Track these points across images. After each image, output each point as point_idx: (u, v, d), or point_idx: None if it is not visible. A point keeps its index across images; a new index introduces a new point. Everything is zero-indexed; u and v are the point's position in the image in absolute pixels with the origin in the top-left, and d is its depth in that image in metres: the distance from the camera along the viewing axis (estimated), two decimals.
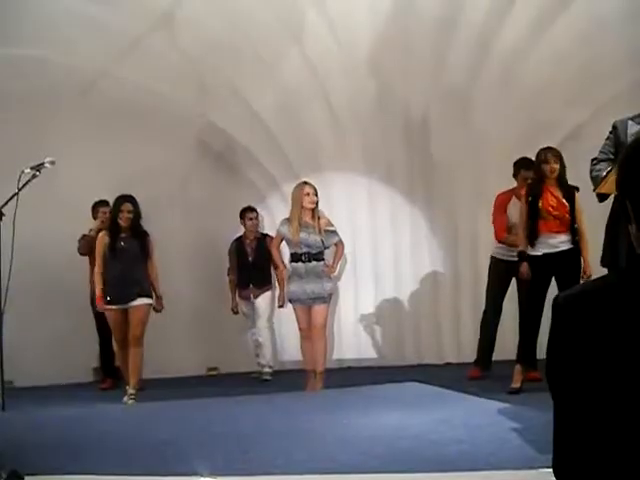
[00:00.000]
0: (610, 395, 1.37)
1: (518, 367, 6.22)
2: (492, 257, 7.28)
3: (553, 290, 6.17)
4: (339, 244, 6.80)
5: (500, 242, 7.14)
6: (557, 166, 6.06)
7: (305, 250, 6.59)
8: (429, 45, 8.13)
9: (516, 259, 6.34)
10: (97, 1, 7.44)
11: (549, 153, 6.08)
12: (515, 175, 7.02)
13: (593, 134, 8.03)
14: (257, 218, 8.33)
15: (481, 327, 7.42)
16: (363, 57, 8.25)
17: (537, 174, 6.17)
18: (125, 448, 4.12)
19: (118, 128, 8.19)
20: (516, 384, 6.14)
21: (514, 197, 6.90)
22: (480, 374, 7.27)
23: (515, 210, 6.70)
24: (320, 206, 6.80)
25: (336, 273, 7.04)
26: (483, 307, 7.41)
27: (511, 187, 7.10)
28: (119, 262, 6.71)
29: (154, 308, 6.83)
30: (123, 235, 6.78)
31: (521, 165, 6.97)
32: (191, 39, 8.00)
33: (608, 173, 4.33)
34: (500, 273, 7.08)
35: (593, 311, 1.43)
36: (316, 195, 6.64)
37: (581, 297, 1.48)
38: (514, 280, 6.85)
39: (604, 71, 7.94)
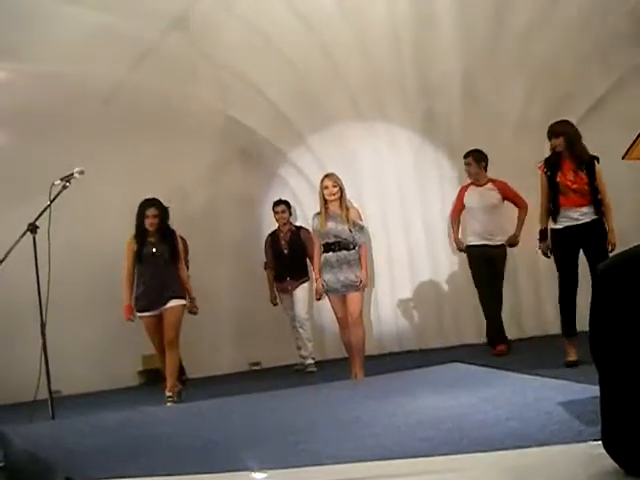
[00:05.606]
0: None
1: (567, 341, 6.19)
2: (467, 246, 7.70)
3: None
4: (362, 246, 6.64)
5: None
6: (559, 141, 6.02)
7: (334, 240, 6.59)
8: (444, 24, 8.10)
9: (489, 243, 7.38)
10: (110, 9, 7.50)
11: (549, 129, 6.16)
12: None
13: (616, 103, 7.99)
14: (285, 211, 8.30)
15: (483, 310, 7.75)
16: (379, 40, 8.25)
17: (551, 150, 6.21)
18: (175, 448, 4.16)
19: (143, 132, 8.27)
20: (571, 357, 6.11)
21: (472, 186, 7.67)
22: (504, 350, 7.46)
23: (471, 196, 7.59)
24: (348, 193, 6.77)
25: (366, 281, 6.75)
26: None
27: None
28: (149, 268, 6.64)
29: (189, 311, 6.78)
30: (151, 240, 6.68)
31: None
32: (207, 37, 8.05)
33: (637, 139, 4.24)
34: (478, 259, 7.56)
35: (632, 279, 1.43)
36: (336, 186, 6.59)
37: (619, 266, 1.48)
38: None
39: (622, 40, 7.85)
